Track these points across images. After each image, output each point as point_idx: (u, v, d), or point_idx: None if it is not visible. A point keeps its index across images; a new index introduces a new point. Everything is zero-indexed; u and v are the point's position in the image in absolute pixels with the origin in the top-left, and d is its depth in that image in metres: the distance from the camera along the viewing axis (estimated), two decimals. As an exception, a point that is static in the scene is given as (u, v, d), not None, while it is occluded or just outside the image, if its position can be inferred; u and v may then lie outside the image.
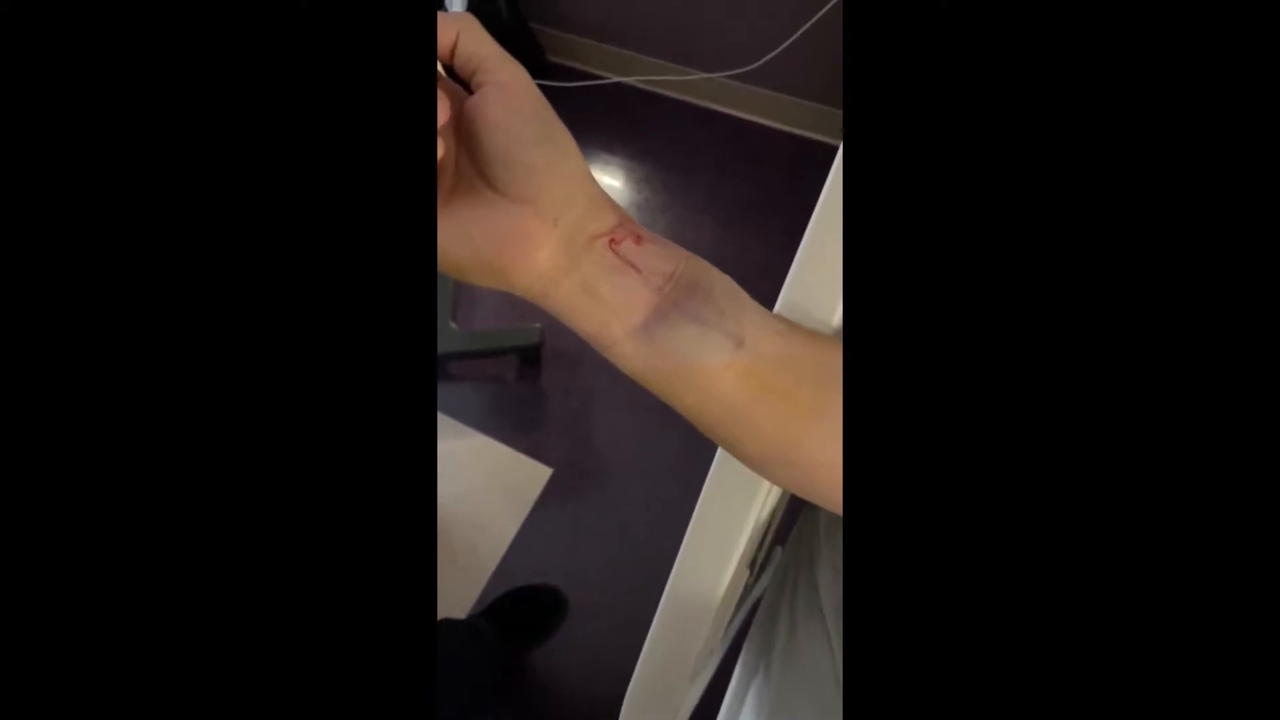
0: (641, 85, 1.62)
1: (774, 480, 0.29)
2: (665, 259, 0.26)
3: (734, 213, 1.48)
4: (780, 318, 0.27)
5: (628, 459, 1.25)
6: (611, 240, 0.25)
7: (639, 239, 0.26)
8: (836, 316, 0.33)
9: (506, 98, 0.23)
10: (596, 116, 1.60)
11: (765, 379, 0.26)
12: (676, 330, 0.25)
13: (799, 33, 1.31)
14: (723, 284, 0.26)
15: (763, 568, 0.58)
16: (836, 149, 0.30)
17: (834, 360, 0.27)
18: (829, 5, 1.26)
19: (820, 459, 0.26)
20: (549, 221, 0.24)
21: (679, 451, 1.21)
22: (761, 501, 0.36)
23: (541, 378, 1.33)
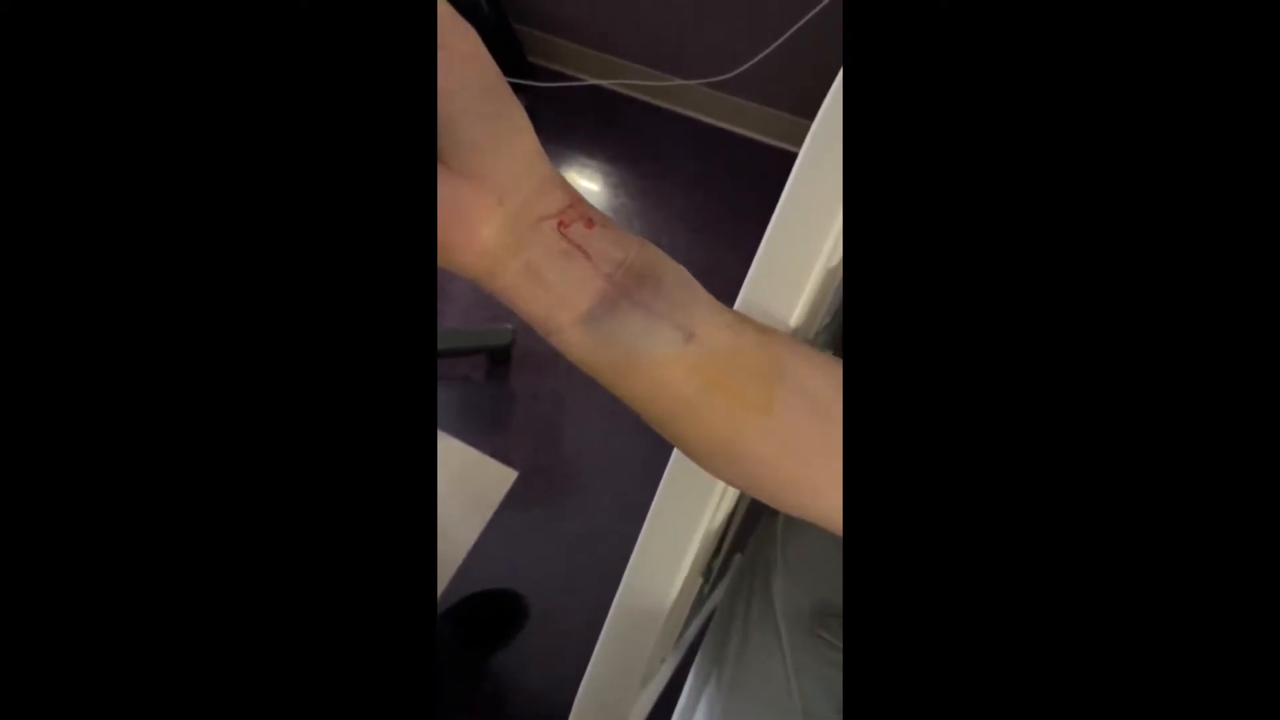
0: (621, 90, 1.61)
1: (721, 477, 0.29)
2: (616, 245, 0.25)
3: (707, 220, 1.48)
4: (731, 311, 0.27)
5: (595, 463, 1.24)
6: (560, 222, 0.24)
7: (590, 223, 0.25)
8: (794, 316, 0.32)
9: (455, 64, 0.21)
10: (575, 120, 1.59)
11: (714, 373, 0.25)
12: (625, 320, 0.24)
13: (776, 44, 1.32)
14: (675, 274, 0.26)
15: (720, 575, 0.57)
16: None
17: (783, 355, 0.26)
18: (805, 19, 1.27)
19: (766, 454, 0.26)
20: (493, 199, 0.23)
21: (646, 456, 1.21)
22: (714, 508, 0.36)
23: (510, 379, 1.31)
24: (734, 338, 0.26)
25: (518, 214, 0.23)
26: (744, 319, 0.27)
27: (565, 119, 1.59)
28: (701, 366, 0.25)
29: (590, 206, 0.25)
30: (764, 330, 0.27)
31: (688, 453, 0.28)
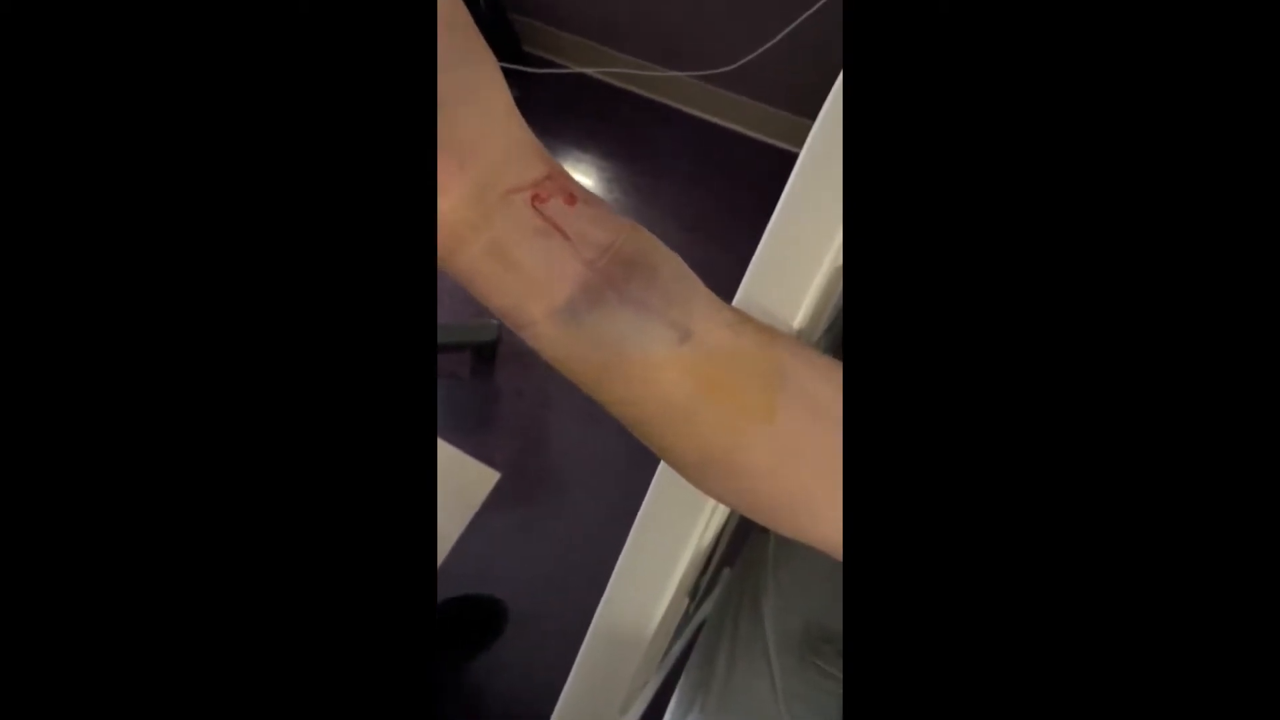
0: (618, 84, 1.59)
1: (712, 492, 0.26)
2: (602, 226, 0.22)
3: (702, 219, 1.45)
4: (731, 308, 0.24)
5: (580, 467, 1.21)
6: (535, 196, 0.21)
7: (571, 198, 0.21)
8: (798, 318, 0.29)
9: None
10: (571, 113, 1.56)
11: (711, 377, 0.22)
12: (610, 314, 0.21)
13: (776, 38, 1.30)
14: (670, 264, 0.23)
15: (707, 592, 0.54)
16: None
17: (786, 358, 0.23)
18: (805, 15, 1.25)
19: (765, 467, 0.23)
20: (454, 163, 0.19)
21: (634, 460, 1.17)
22: (704, 526, 0.33)
23: (495, 376, 1.28)
24: (734, 338, 0.23)
25: (484, 183, 0.20)
26: (744, 317, 0.24)
27: (561, 111, 1.56)
28: (697, 369, 0.22)
29: (572, 180, 0.22)
30: (765, 330, 0.24)
31: (676, 465, 0.25)
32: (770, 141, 1.54)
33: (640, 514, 0.33)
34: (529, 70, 1.51)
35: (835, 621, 0.45)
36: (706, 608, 0.59)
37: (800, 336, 0.30)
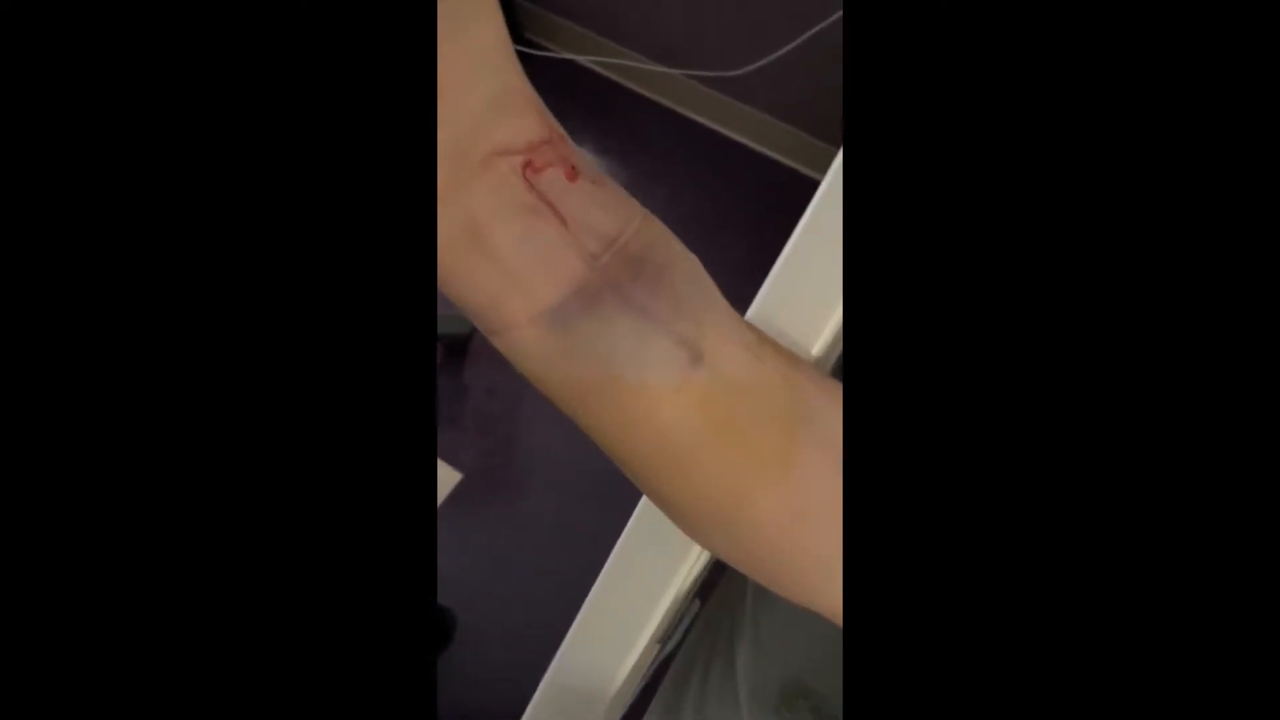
0: (619, 79, 1.56)
1: (706, 545, 0.23)
2: (610, 212, 0.17)
3: (692, 227, 1.41)
4: (752, 327, 0.19)
5: (549, 475, 1.17)
6: (529, 164, 0.16)
7: (573, 172, 0.17)
8: (818, 345, 0.25)
9: None
10: (569, 104, 1.53)
11: (724, 412, 0.18)
12: (606, 322, 0.17)
13: (785, 49, 1.28)
14: (685, 265, 0.18)
15: (675, 627, 0.50)
16: (805, 177, 0.25)
17: (812, 394, 0.19)
18: (816, 29, 1.23)
19: (771, 522, 0.19)
20: None
21: (609, 474, 1.13)
22: (687, 570, 0.28)
23: (465, 372, 1.23)
24: (754, 364, 0.18)
25: (460, 140, 0.15)
26: (764, 338, 0.20)
27: (559, 102, 1.52)
28: (710, 401, 0.18)
29: (576, 150, 0.17)
30: (786, 356, 0.20)
31: (670, 511, 0.21)
32: (767, 153, 1.51)
33: (615, 552, 0.29)
34: (531, 52, 1.47)
35: (813, 677, 0.41)
36: (674, 640, 0.55)
37: (819, 366, 0.26)
